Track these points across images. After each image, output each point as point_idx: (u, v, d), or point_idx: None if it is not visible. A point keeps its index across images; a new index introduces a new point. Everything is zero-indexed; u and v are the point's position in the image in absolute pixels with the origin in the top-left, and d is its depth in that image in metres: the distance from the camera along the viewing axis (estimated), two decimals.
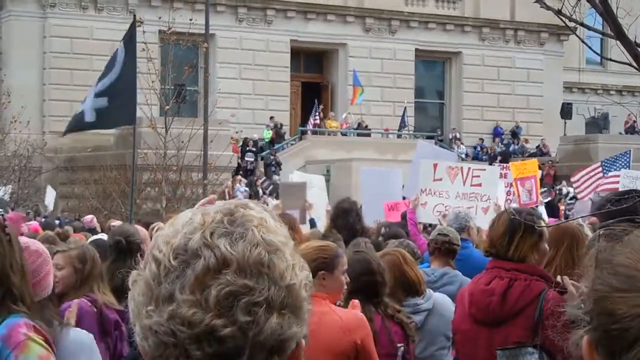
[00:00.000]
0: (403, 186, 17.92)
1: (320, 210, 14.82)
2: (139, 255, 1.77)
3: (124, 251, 7.28)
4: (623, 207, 5.04)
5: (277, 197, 25.94)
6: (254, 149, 40.52)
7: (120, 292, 6.11)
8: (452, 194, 12.46)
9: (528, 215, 5.76)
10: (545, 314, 5.29)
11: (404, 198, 16.67)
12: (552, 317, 5.24)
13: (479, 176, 12.66)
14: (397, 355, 6.27)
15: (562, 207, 33.23)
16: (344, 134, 44.58)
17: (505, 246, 5.56)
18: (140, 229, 8.15)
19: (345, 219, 9.70)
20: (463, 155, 43.84)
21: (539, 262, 5.65)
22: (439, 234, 8.46)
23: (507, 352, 5.32)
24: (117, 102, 12.62)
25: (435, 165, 12.86)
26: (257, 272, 1.65)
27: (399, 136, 44.78)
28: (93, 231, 15.42)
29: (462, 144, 46.30)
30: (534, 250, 5.60)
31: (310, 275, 1.77)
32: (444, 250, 8.25)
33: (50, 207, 27.18)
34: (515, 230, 5.54)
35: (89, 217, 18.90)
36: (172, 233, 1.71)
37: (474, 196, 12.44)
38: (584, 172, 21.45)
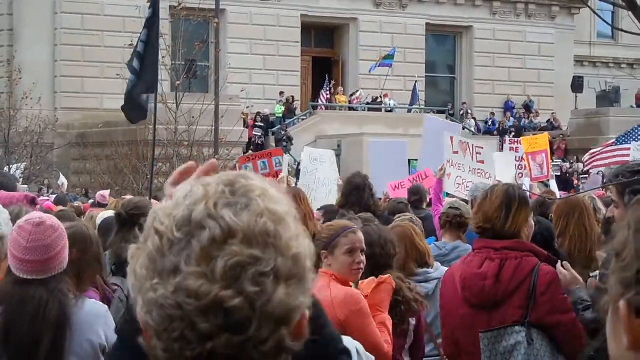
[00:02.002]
0: (415, 160, 17.99)
1: (331, 184, 14.85)
2: (137, 229, 1.75)
3: (126, 224, 7.28)
4: (637, 179, 5.03)
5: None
6: (262, 124, 40.47)
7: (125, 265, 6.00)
8: (466, 167, 12.62)
9: (518, 188, 5.62)
10: (540, 289, 5.19)
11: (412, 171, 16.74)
12: (547, 292, 5.21)
13: (480, 153, 12.83)
14: (409, 330, 6.25)
15: (576, 182, 33.29)
16: (354, 109, 44.51)
17: (503, 220, 5.35)
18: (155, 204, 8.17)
19: (359, 194, 9.74)
20: (473, 129, 43.78)
21: (528, 236, 5.48)
22: (450, 207, 8.43)
23: (489, 334, 5.21)
24: (140, 70, 12.81)
25: (452, 139, 13.02)
26: (264, 242, 1.64)
27: (409, 111, 44.69)
28: (105, 207, 15.39)
29: (473, 118, 46.18)
30: (526, 225, 5.44)
31: (313, 245, 1.75)
32: (455, 223, 8.21)
33: (64, 187, 27.26)
34: (511, 202, 5.36)
35: (105, 192, 18.68)
36: (172, 205, 1.69)
37: (480, 172, 12.56)
38: (595, 150, 21.41)
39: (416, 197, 11.94)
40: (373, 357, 4.81)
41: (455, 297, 5.50)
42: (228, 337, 1.61)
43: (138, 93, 13.02)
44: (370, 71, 43.66)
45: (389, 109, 44.81)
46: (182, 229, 1.64)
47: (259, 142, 39.43)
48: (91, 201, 20.33)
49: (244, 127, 35.92)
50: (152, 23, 12.66)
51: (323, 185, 14.89)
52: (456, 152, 12.81)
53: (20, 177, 25.90)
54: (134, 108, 13.28)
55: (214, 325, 1.60)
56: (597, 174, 22.67)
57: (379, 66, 42.90)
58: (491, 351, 5.22)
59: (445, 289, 5.71)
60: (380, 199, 11.77)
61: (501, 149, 25.46)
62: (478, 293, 5.34)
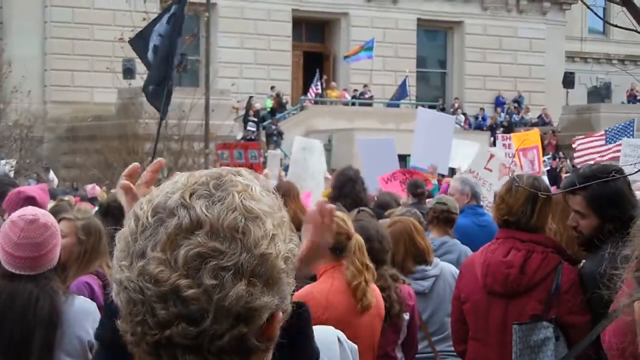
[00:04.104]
0: (409, 156, 17.97)
1: (319, 176, 14.79)
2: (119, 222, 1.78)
3: (106, 215, 7.40)
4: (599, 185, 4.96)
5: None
6: (255, 119, 40.33)
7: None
8: (493, 189, 12.52)
9: (543, 182, 5.67)
10: (564, 287, 5.20)
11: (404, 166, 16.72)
12: (570, 291, 5.21)
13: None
14: (402, 325, 6.21)
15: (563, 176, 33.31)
16: (345, 104, 44.46)
17: (528, 214, 5.37)
18: None
19: (352, 187, 9.77)
20: (462, 124, 43.70)
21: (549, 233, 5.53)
22: (437, 202, 8.41)
23: (524, 326, 5.22)
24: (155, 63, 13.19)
25: (491, 156, 12.99)
26: (230, 237, 1.63)
27: (400, 106, 44.66)
28: (94, 200, 15.40)
29: (463, 113, 46.08)
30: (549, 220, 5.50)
31: (297, 249, 1.73)
32: (442, 219, 8.20)
33: (54, 182, 27.23)
34: (537, 197, 5.33)
35: (90, 185, 18.67)
36: (156, 192, 1.72)
37: None
38: (585, 140, 21.35)
39: (420, 190, 11.61)
40: (355, 346, 4.76)
41: (472, 282, 5.52)
42: (184, 326, 1.62)
43: (148, 86, 13.36)
44: (348, 61, 43.59)
45: (369, 103, 44.69)
46: (156, 215, 1.67)
47: (252, 137, 39.29)
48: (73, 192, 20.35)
49: (234, 121, 35.84)
50: (174, 19, 13.17)
51: (312, 177, 14.86)
52: (489, 170, 12.74)
53: (11, 171, 25.82)
54: (153, 100, 13.61)
55: (171, 313, 1.62)
56: None
57: (359, 58, 42.84)
58: (524, 343, 5.23)
59: (463, 275, 5.72)
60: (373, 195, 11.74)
61: (493, 145, 25.46)
62: (502, 281, 5.34)
